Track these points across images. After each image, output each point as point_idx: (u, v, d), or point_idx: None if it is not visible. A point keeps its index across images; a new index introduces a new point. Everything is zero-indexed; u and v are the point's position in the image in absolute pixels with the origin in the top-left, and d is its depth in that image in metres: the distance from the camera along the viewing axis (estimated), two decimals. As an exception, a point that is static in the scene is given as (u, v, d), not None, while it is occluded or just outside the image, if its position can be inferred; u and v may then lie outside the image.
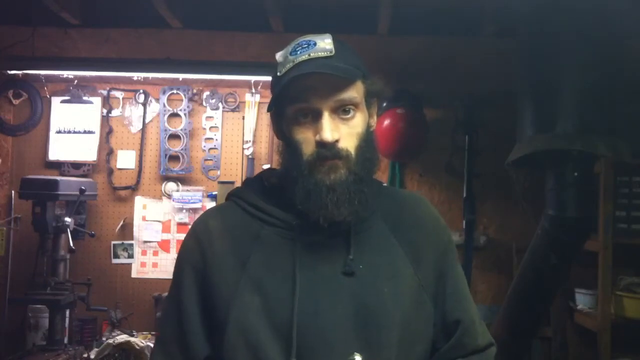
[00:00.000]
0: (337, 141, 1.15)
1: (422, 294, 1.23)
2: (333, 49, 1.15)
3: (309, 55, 1.14)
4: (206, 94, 3.70)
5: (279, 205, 1.23)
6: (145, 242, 3.69)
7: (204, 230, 1.24)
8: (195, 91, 3.69)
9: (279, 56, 1.21)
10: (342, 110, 1.16)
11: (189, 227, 3.73)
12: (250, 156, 3.65)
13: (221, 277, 1.18)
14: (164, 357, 1.22)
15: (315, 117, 1.16)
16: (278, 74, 1.18)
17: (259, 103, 3.67)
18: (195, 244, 1.23)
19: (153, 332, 3.44)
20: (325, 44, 1.16)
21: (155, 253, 3.69)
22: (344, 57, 1.16)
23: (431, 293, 1.24)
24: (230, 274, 1.18)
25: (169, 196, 3.67)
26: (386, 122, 3.34)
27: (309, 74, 1.13)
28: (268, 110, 1.26)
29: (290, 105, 1.17)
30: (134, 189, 3.69)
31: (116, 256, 3.68)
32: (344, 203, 1.15)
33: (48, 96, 3.71)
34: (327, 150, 1.14)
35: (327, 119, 1.14)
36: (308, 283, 1.13)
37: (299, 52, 1.15)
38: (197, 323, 1.19)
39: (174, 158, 3.69)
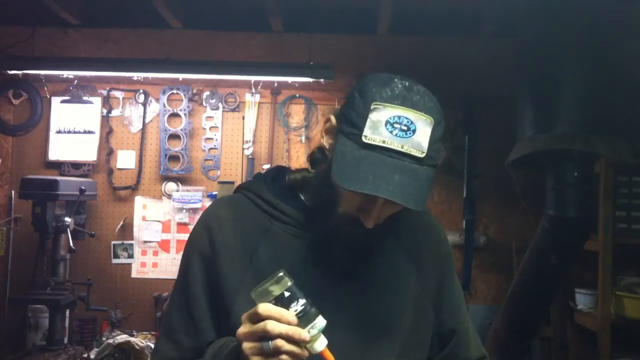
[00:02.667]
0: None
1: (424, 301, 1.25)
2: (427, 145, 1.06)
3: (402, 147, 1.05)
4: (206, 94, 3.70)
5: (290, 202, 1.23)
6: (145, 242, 3.69)
7: (214, 218, 1.24)
8: (195, 91, 3.69)
9: (377, 91, 1.08)
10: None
11: (190, 226, 3.75)
12: (250, 156, 3.64)
13: (228, 266, 1.18)
14: (171, 346, 1.20)
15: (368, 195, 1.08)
16: (365, 133, 1.06)
17: (259, 103, 3.67)
18: (204, 232, 1.23)
19: (153, 332, 3.44)
20: (423, 134, 1.06)
21: (155, 253, 3.69)
22: (432, 155, 1.08)
23: (432, 301, 1.26)
24: (237, 264, 1.18)
25: (169, 196, 3.67)
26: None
27: (387, 187, 1.04)
28: (327, 131, 1.17)
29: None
30: (134, 189, 3.69)
31: (116, 256, 3.68)
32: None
33: (48, 96, 3.70)
34: (362, 227, 1.13)
35: (377, 209, 1.11)
36: (313, 283, 1.13)
37: (396, 131, 1.05)
38: (205, 309, 1.19)
39: (174, 158, 3.69)
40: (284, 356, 0.98)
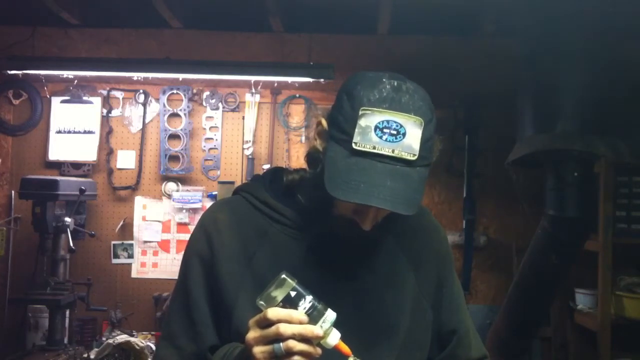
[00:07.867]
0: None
1: (422, 302, 1.25)
2: (419, 146, 1.06)
3: (393, 151, 1.04)
4: (206, 94, 3.70)
5: (288, 204, 1.23)
6: (145, 242, 3.69)
7: (212, 222, 1.23)
8: (195, 91, 3.69)
9: (365, 94, 1.07)
10: None
11: (190, 226, 3.74)
12: (250, 156, 3.64)
13: (228, 269, 1.18)
14: (172, 351, 1.20)
15: None
16: (355, 140, 1.05)
17: (259, 103, 3.67)
18: (203, 235, 1.22)
19: (153, 332, 3.44)
20: (413, 137, 1.05)
21: (155, 253, 3.69)
22: (424, 155, 1.07)
23: (431, 301, 1.26)
24: (236, 267, 1.18)
25: (169, 196, 3.67)
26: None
27: (379, 195, 1.04)
28: (317, 134, 1.15)
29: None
30: (134, 189, 3.69)
31: (116, 256, 3.68)
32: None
33: (48, 96, 3.70)
34: (360, 228, 1.13)
35: (372, 213, 1.11)
36: (311, 285, 1.13)
37: (385, 136, 1.04)
38: (206, 313, 1.18)
39: (174, 158, 3.69)
40: (296, 357, 0.98)
